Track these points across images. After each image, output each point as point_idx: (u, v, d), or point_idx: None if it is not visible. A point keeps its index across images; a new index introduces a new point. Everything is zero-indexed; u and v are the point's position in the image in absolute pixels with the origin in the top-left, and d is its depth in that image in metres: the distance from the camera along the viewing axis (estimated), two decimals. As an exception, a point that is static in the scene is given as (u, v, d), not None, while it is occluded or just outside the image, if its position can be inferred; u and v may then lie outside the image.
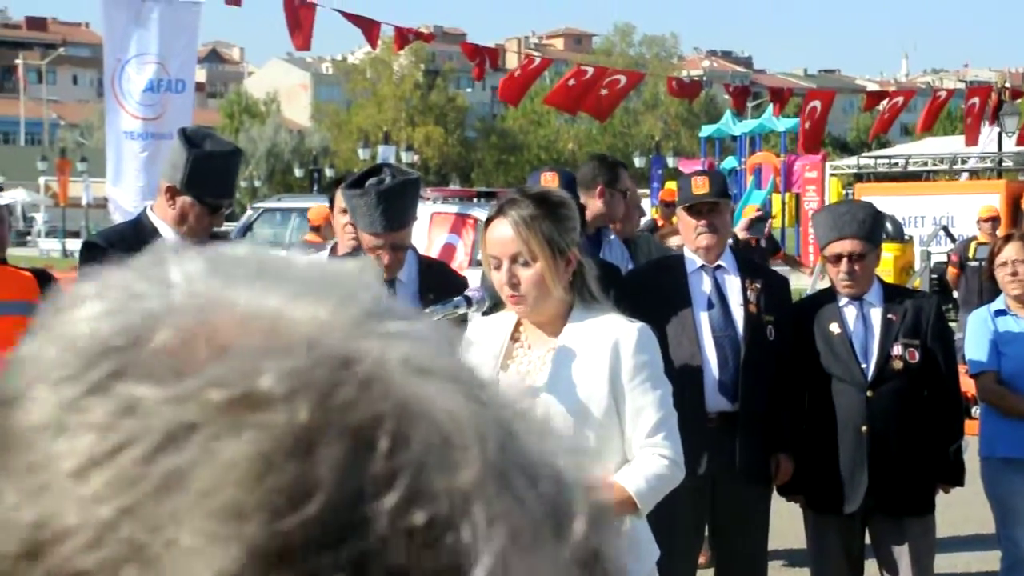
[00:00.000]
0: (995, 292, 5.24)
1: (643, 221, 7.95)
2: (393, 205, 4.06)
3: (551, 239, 2.89)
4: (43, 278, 4.87)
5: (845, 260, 4.52)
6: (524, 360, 2.98)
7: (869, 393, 4.50)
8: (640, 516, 2.91)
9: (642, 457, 2.90)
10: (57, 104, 79.51)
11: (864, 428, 4.49)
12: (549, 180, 4.50)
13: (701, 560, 5.16)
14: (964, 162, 31.20)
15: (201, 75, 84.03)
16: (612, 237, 5.43)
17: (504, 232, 2.90)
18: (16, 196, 51.31)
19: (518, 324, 3.02)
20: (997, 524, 5.01)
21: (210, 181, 4.06)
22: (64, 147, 56.84)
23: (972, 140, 18.15)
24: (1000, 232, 12.76)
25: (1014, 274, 4.94)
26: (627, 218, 5.70)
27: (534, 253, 2.88)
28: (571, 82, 12.18)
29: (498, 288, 2.95)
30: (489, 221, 2.96)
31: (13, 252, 4.96)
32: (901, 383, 4.52)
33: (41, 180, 54.79)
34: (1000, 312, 5.00)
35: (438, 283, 4.18)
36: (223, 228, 4.89)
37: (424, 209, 13.82)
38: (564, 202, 3.00)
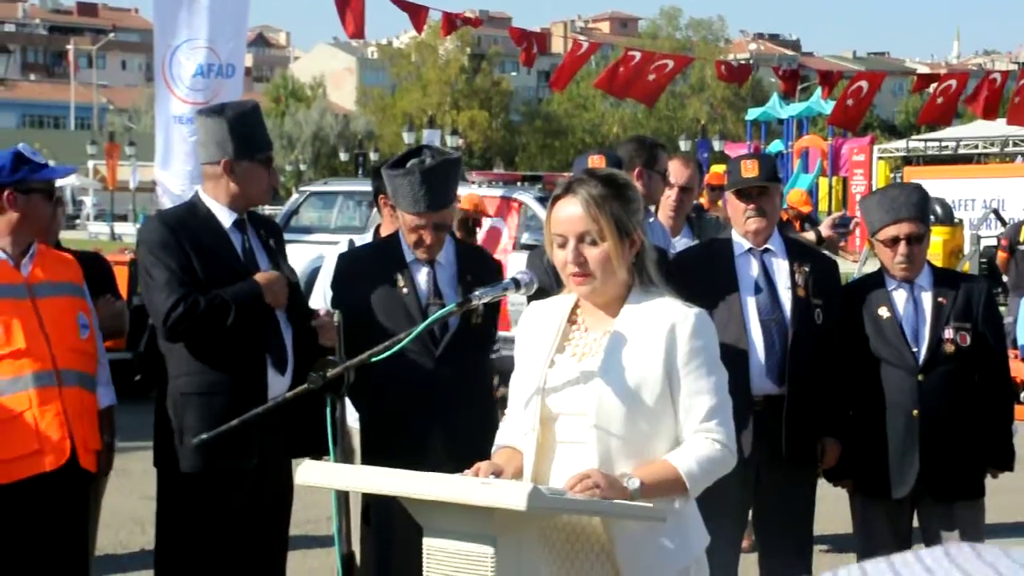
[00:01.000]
0: (1047, 276, 5.18)
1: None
2: (435, 184, 4.08)
3: (619, 219, 2.89)
4: (95, 262, 4.94)
5: (903, 243, 4.48)
6: (580, 343, 2.98)
7: (920, 377, 4.47)
8: (689, 499, 2.91)
9: (695, 440, 2.89)
10: (106, 89, 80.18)
11: (915, 412, 4.46)
12: (596, 163, 4.49)
13: (744, 544, 5.15)
14: (1016, 144, 30.77)
15: (248, 59, 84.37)
16: (652, 219, 5.40)
17: (573, 210, 2.90)
18: (66, 180, 51.83)
19: (575, 307, 3.02)
20: (1048, 510, 4.98)
21: (254, 138, 4.15)
22: (113, 131, 57.40)
23: (1019, 120, 17.87)
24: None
25: None
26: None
27: (603, 232, 2.87)
28: (620, 69, 12.13)
29: (560, 267, 2.94)
30: (556, 199, 2.95)
31: (62, 235, 5.02)
32: (953, 367, 4.48)
33: (90, 164, 55.33)
34: (1053, 296, 4.95)
35: (475, 266, 4.23)
36: (269, 212, 4.94)
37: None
38: (630, 184, 3.02)
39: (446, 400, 4.07)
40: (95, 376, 4.14)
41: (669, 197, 5.71)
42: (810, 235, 7.05)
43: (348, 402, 4.38)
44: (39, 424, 3.85)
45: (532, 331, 3.05)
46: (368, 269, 4.25)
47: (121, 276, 4.59)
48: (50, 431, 3.88)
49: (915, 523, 4.67)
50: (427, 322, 3.10)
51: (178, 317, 4.03)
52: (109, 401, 4.23)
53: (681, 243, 5.66)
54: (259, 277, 4.11)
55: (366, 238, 5.07)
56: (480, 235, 12.79)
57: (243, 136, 4.11)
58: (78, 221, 48.41)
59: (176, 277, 4.06)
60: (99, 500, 4.73)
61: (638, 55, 12.24)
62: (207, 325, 4.05)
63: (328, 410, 3.23)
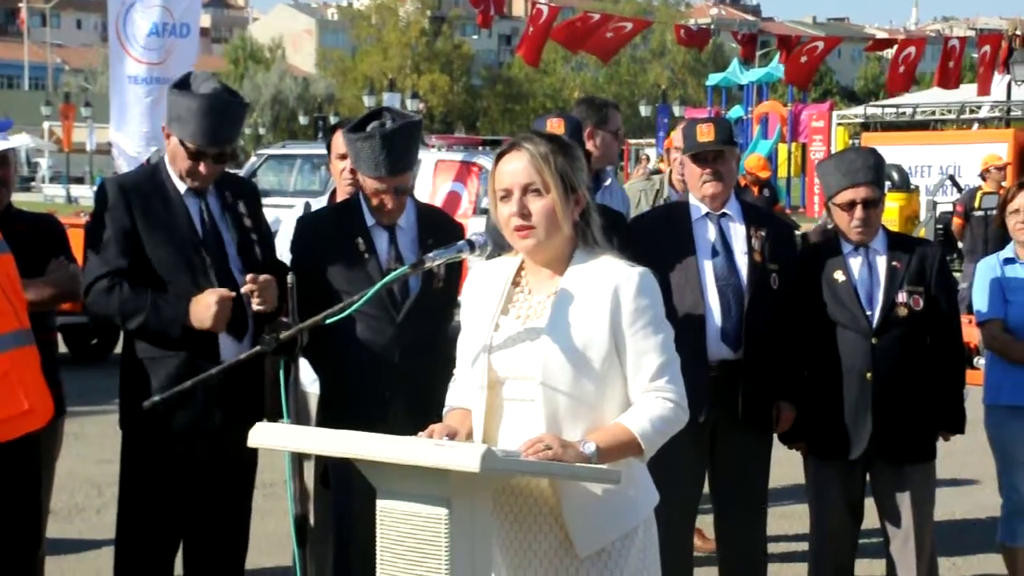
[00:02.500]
0: (1002, 242, 5.21)
1: (648, 169, 7.94)
2: (397, 148, 4.05)
3: (564, 173, 2.90)
4: (48, 224, 4.87)
5: (859, 207, 4.51)
6: (524, 305, 2.98)
7: (874, 340, 4.50)
8: (644, 459, 2.92)
9: (646, 400, 2.90)
10: (61, 49, 79.08)
11: (869, 374, 4.50)
12: (555, 126, 4.47)
13: (697, 543, 5.17)
14: (972, 111, 30.99)
15: (206, 20, 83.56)
16: (610, 181, 5.38)
17: (517, 163, 2.90)
18: (21, 140, 50.85)
19: (520, 269, 3.02)
20: (998, 471, 5.03)
21: (190, 123, 3.98)
22: (68, 92, 56.65)
23: (985, 90, 18.00)
24: (1008, 183, 12.72)
25: None
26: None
27: (547, 184, 2.88)
28: (577, 24, 12.11)
29: (504, 223, 2.93)
30: (501, 156, 2.95)
31: (17, 197, 4.94)
32: (905, 330, 4.52)
33: (45, 125, 54.61)
34: (1009, 260, 4.99)
35: (437, 229, 4.18)
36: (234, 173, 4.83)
37: (428, 157, 13.80)
38: (575, 146, 3.05)
39: (407, 365, 4.05)
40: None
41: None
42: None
43: (304, 366, 4.37)
44: (25, 384, 3.82)
45: (477, 293, 3.05)
46: (328, 233, 4.20)
47: (76, 239, 4.52)
48: (34, 390, 3.86)
49: (868, 486, 4.73)
50: (379, 284, 3.07)
51: (95, 295, 3.99)
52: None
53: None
54: (194, 300, 3.94)
55: (323, 202, 5.03)
56: (440, 199, 12.77)
57: (181, 113, 3.99)
58: (33, 183, 47.83)
59: (114, 246, 3.99)
60: (53, 464, 4.70)
61: (596, 16, 12.23)
62: (118, 317, 4.00)
63: (281, 373, 3.21)
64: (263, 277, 3.98)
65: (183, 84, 4.07)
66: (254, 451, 3.93)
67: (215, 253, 4.06)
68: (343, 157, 4.75)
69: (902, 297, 4.53)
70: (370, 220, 4.17)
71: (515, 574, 2.91)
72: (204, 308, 3.92)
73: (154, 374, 4.00)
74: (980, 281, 5.02)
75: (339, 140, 4.76)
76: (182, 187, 4.08)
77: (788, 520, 6.27)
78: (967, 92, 26.92)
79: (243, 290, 3.99)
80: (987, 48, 17.11)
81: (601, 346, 2.88)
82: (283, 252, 4.79)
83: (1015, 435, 4.90)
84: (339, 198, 4.86)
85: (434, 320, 4.10)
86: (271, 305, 3.97)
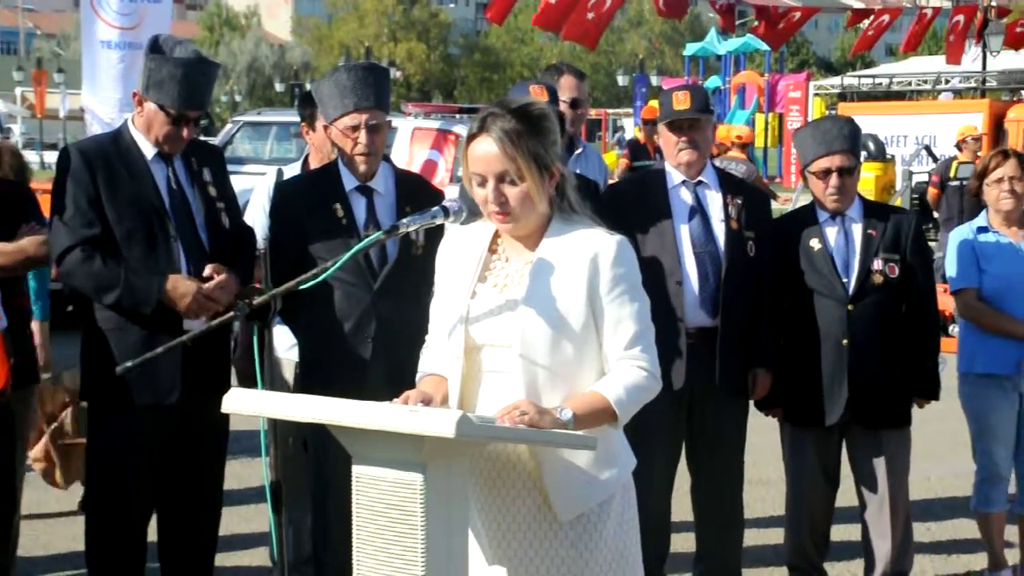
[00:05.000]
0: (977, 211, 5.23)
1: (625, 138, 7.88)
2: (363, 82, 4.02)
3: (537, 155, 2.86)
4: (17, 189, 4.82)
5: (834, 175, 4.52)
6: (501, 273, 2.96)
7: (850, 307, 4.52)
8: (618, 426, 2.92)
9: (620, 368, 2.89)
10: (32, 13, 78.18)
11: (845, 341, 4.52)
12: (538, 93, 4.43)
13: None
14: (948, 82, 31.06)
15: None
16: (583, 148, 5.31)
17: (489, 149, 2.86)
18: (-9, 106, 50.77)
19: (496, 236, 3.00)
20: (973, 439, 5.07)
21: (172, 88, 3.94)
22: (41, 57, 56.03)
23: (954, 59, 17.99)
24: (983, 153, 12.76)
25: (1012, 191, 4.93)
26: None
27: (521, 172, 2.85)
28: (552, 1, 12.02)
29: (481, 205, 2.91)
30: (471, 137, 2.91)
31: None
32: (881, 297, 4.54)
33: (17, 91, 54.10)
34: (982, 229, 5.01)
35: (415, 195, 4.15)
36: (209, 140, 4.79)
37: (405, 125, 13.73)
38: (545, 114, 2.95)
39: (385, 333, 4.03)
40: None
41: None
42: None
43: (279, 332, 4.35)
44: None
45: (452, 258, 3.02)
46: (305, 199, 4.16)
47: (48, 205, 4.47)
48: None
49: (843, 453, 4.75)
50: (353, 250, 3.04)
51: (69, 266, 3.94)
52: (4, 325, 4.13)
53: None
54: (172, 284, 3.90)
55: (296, 168, 4.98)
56: (416, 166, 12.71)
57: (160, 77, 3.94)
58: (5, 150, 47.36)
59: (80, 215, 3.94)
60: (26, 431, 4.67)
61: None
62: (92, 291, 3.95)
63: (256, 339, 3.19)
64: (222, 277, 3.94)
65: (156, 49, 4.02)
66: (225, 419, 3.91)
67: (183, 220, 4.02)
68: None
69: (877, 265, 4.54)
70: (348, 185, 4.14)
71: (495, 539, 2.91)
72: (180, 297, 3.88)
73: (116, 344, 3.96)
74: (954, 250, 5.04)
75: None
76: (149, 153, 4.03)
77: (764, 486, 6.30)
78: (943, 63, 26.96)
79: (206, 274, 3.95)
80: (960, 18, 17.11)
81: (579, 315, 2.87)
82: (254, 219, 4.75)
83: (989, 403, 4.94)
84: (312, 165, 4.82)
85: (414, 288, 4.05)
86: (223, 305, 3.92)
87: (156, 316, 3.92)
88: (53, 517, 6.02)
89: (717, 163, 13.69)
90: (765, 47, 30.29)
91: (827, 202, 4.57)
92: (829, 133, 4.57)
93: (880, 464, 4.61)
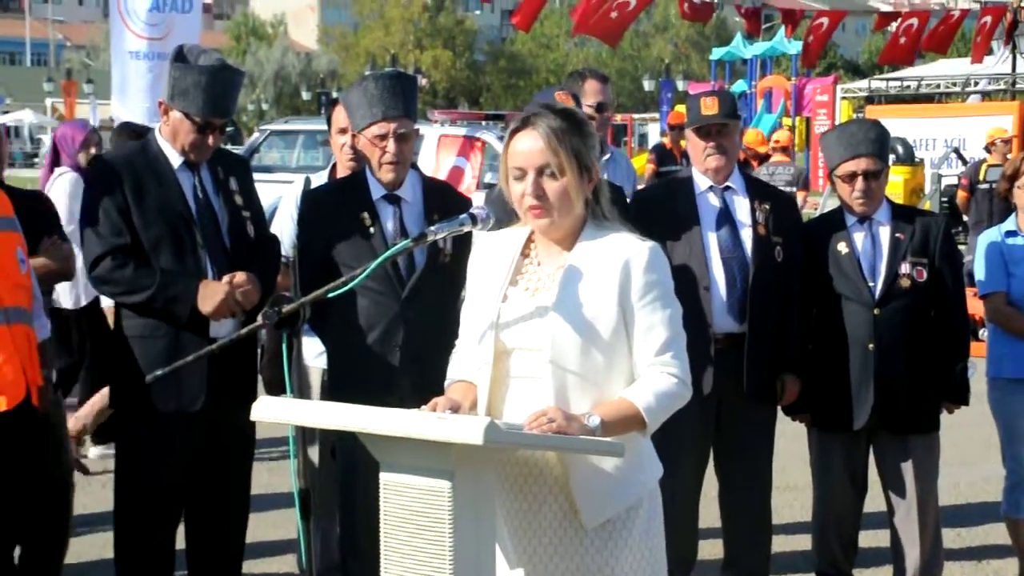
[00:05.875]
0: (1007, 214, 5.20)
1: (653, 144, 7.88)
2: (391, 90, 4.04)
3: (579, 153, 2.89)
4: (38, 202, 4.85)
5: (861, 179, 4.51)
6: (533, 277, 2.97)
7: (876, 311, 4.50)
8: (647, 433, 2.92)
9: (650, 375, 2.89)
10: (63, 25, 78.78)
11: (871, 345, 4.50)
12: (564, 99, 4.44)
13: None
14: (976, 84, 30.85)
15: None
16: (611, 154, 5.30)
17: (533, 143, 2.88)
18: (23, 117, 51.08)
19: (529, 240, 3.01)
20: (1002, 444, 5.03)
21: (197, 96, 3.98)
22: (70, 68, 56.48)
23: (978, 58, 17.85)
24: (1012, 155, 12.65)
25: None
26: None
27: (562, 166, 2.87)
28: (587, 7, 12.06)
29: (517, 201, 2.92)
30: (514, 132, 2.93)
31: (20, 174, 4.92)
32: (908, 301, 4.52)
33: (48, 102, 54.50)
34: (1011, 233, 4.97)
35: (443, 202, 4.16)
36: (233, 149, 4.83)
37: (432, 132, 13.77)
38: (587, 121, 3.01)
39: (413, 341, 4.04)
40: (32, 311, 4.09)
41: None
42: None
43: (306, 341, 4.36)
44: None
45: (484, 263, 3.03)
46: (334, 208, 4.19)
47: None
48: (5, 370, 3.84)
49: (871, 457, 4.73)
50: (381, 258, 3.06)
51: (102, 272, 3.98)
52: (45, 334, 4.17)
53: None
54: (214, 284, 3.95)
55: (323, 177, 5.00)
56: (443, 173, 12.74)
57: (184, 86, 3.98)
58: (36, 159, 47.75)
59: (111, 223, 3.98)
60: (65, 436, 4.70)
61: (600, -7, 12.17)
62: (126, 295, 4.00)
63: (284, 347, 3.21)
64: (244, 278, 3.97)
65: (181, 58, 4.06)
66: (252, 426, 3.93)
67: (209, 228, 4.05)
68: (343, 131, 4.74)
69: (905, 268, 4.52)
70: (375, 194, 4.15)
71: (520, 544, 2.92)
72: (212, 293, 3.92)
73: (143, 352, 3.99)
74: (982, 254, 5.00)
75: (339, 114, 4.74)
76: (176, 162, 4.07)
77: (792, 492, 6.27)
78: (973, 65, 26.77)
79: (235, 280, 3.99)
80: (988, 19, 17.00)
81: (609, 321, 2.87)
82: (282, 227, 4.77)
83: (1018, 408, 4.90)
84: (339, 173, 4.84)
85: (441, 295, 4.06)
86: (248, 307, 3.97)
87: (183, 324, 3.95)
88: (81, 526, 6.05)
89: (764, 170, 13.61)
90: (792, 50, 30.16)
91: (854, 206, 4.56)
92: (855, 136, 4.56)
93: (908, 469, 4.59)
